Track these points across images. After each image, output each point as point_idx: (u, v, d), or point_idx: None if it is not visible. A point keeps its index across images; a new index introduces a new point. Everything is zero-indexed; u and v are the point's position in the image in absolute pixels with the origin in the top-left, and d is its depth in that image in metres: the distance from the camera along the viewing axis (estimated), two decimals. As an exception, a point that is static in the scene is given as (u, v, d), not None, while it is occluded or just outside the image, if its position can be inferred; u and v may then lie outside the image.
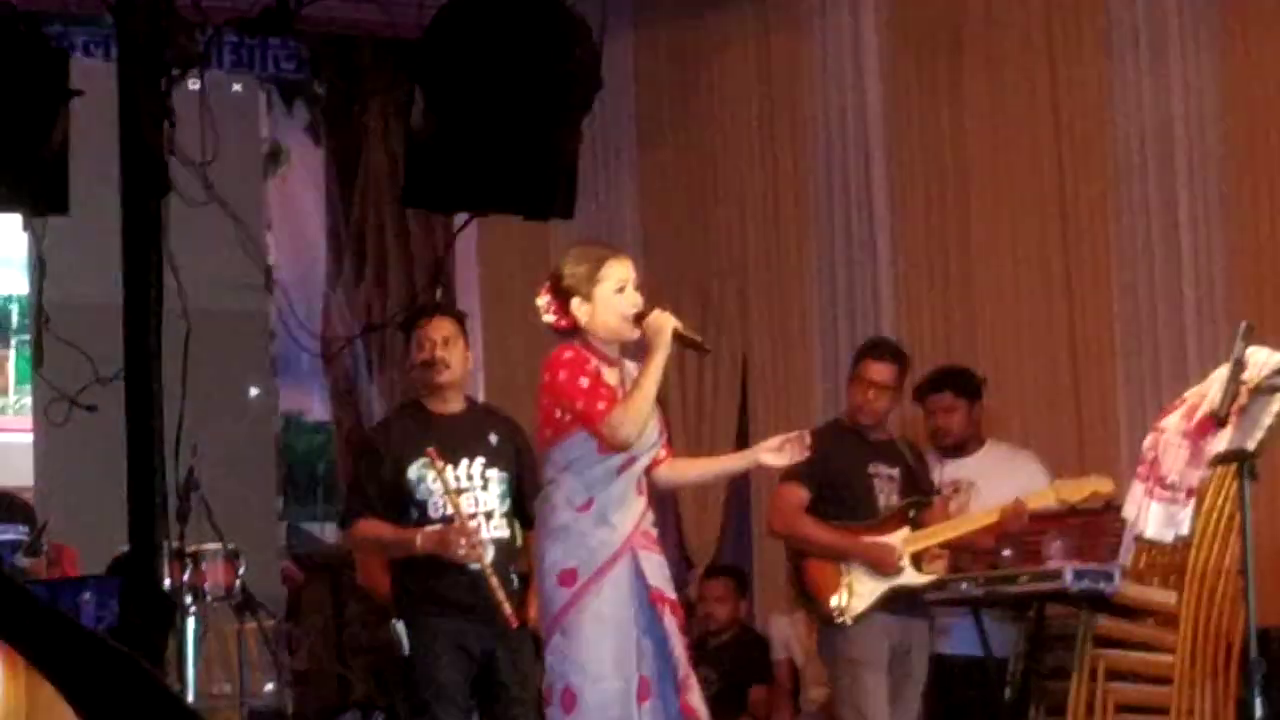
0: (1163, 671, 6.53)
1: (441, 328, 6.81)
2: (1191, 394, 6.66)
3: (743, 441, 9.71)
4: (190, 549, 7.58)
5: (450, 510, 6.56)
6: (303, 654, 10.08)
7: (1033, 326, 8.84)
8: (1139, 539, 6.68)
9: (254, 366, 11.23)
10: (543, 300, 5.79)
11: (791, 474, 7.03)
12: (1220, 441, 6.29)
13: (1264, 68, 8.09)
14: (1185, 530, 6.48)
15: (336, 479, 11.80)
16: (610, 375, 5.73)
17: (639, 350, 5.73)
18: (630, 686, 5.59)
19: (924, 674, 7.32)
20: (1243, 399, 6.22)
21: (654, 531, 5.79)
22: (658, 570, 5.72)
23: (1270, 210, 8.07)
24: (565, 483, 5.70)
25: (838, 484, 7.25)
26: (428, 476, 6.59)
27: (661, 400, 5.82)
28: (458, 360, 6.76)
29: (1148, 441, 6.72)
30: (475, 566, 6.49)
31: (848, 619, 7.15)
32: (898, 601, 7.20)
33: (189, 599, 7.55)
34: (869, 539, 7.24)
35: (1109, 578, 6.75)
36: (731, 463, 6.60)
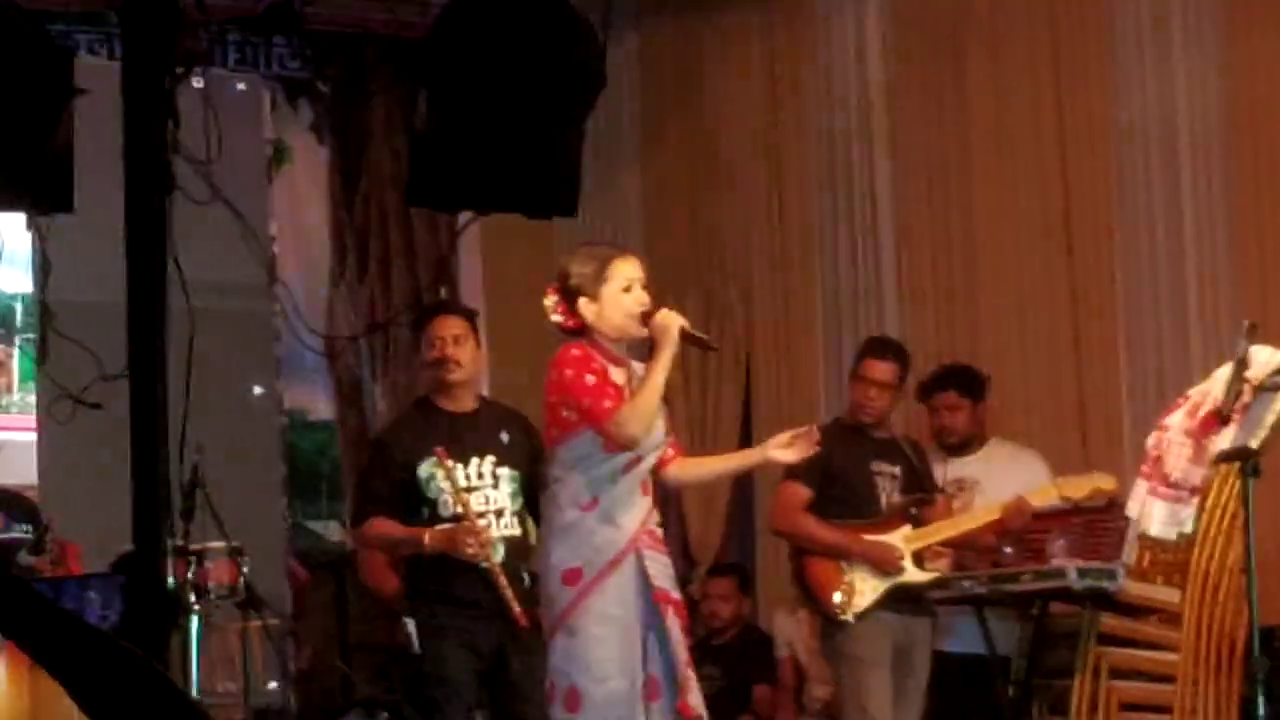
0: (1166, 670, 6.53)
1: (452, 326, 6.82)
2: (1195, 392, 6.66)
3: (746, 440, 9.72)
4: (194, 547, 7.57)
5: (461, 509, 6.57)
6: (306, 653, 10.08)
7: (1036, 325, 8.84)
8: (1142, 537, 6.69)
9: (258, 365, 11.22)
10: (550, 300, 5.81)
11: (793, 472, 7.05)
12: (1224, 440, 6.30)
13: (1268, 66, 8.09)
14: (1188, 528, 6.48)
15: (340, 478, 11.80)
16: (617, 374, 5.74)
17: (646, 349, 5.74)
18: (635, 686, 5.59)
19: (927, 672, 7.33)
20: (1246, 397, 6.23)
21: (659, 531, 5.80)
22: (662, 570, 5.73)
23: (1274, 208, 8.07)
24: (570, 481, 5.71)
25: (839, 482, 7.26)
26: (437, 475, 6.60)
27: (666, 399, 5.83)
28: (468, 358, 6.77)
29: (1151, 440, 6.72)
30: (485, 565, 6.49)
31: (849, 617, 7.15)
32: (900, 599, 7.21)
33: (193, 597, 7.55)
34: (870, 537, 7.24)
35: (1112, 576, 6.76)
36: (741, 459, 6.62)
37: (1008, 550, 7.43)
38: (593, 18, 7.10)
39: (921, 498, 7.37)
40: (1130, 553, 6.79)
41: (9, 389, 11.66)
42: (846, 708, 7.26)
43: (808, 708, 9.01)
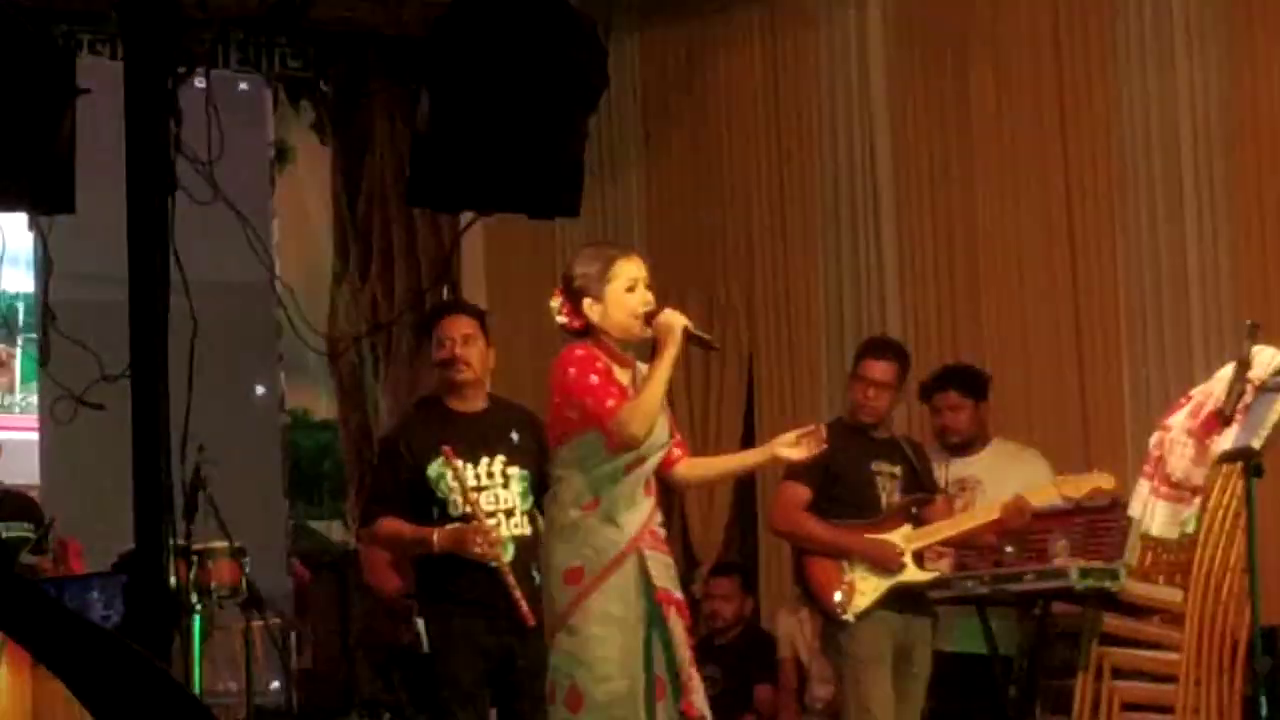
0: (1168, 669, 6.53)
1: (461, 325, 6.82)
2: (1197, 392, 6.66)
3: (749, 440, 9.72)
4: (196, 547, 7.59)
5: (469, 509, 6.57)
6: (309, 652, 10.09)
7: (1038, 325, 8.84)
8: (1144, 537, 6.69)
9: (260, 365, 11.24)
10: (556, 302, 5.81)
11: (793, 472, 7.06)
12: (1226, 440, 6.30)
13: (1270, 68, 8.09)
14: (1190, 528, 6.48)
15: (342, 477, 11.81)
16: (622, 375, 5.74)
17: (650, 350, 5.74)
18: (636, 686, 5.59)
19: (928, 671, 7.32)
20: (1248, 397, 6.23)
21: (662, 532, 5.80)
22: (665, 570, 5.73)
23: (1276, 209, 8.07)
24: (573, 481, 5.71)
25: (839, 482, 7.26)
26: (446, 475, 6.60)
27: (669, 399, 5.83)
28: (477, 358, 6.77)
29: (1153, 440, 6.73)
30: (494, 564, 6.49)
31: (850, 616, 7.15)
32: (901, 599, 7.21)
33: (195, 597, 7.56)
34: (870, 536, 7.24)
35: (1114, 576, 6.76)
36: (749, 458, 6.62)
37: (1008, 550, 7.43)
38: (595, 18, 7.10)
39: (921, 497, 7.37)
40: (1132, 553, 6.79)
41: (11, 389, 11.67)
42: (848, 707, 7.26)
43: (810, 708, 9.01)
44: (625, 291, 5.73)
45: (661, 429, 5.76)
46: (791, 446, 5.89)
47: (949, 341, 9.11)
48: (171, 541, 6.68)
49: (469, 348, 6.76)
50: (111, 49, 10.01)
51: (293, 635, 9.52)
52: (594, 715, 5.55)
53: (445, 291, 11.04)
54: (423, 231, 11.44)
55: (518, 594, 6.42)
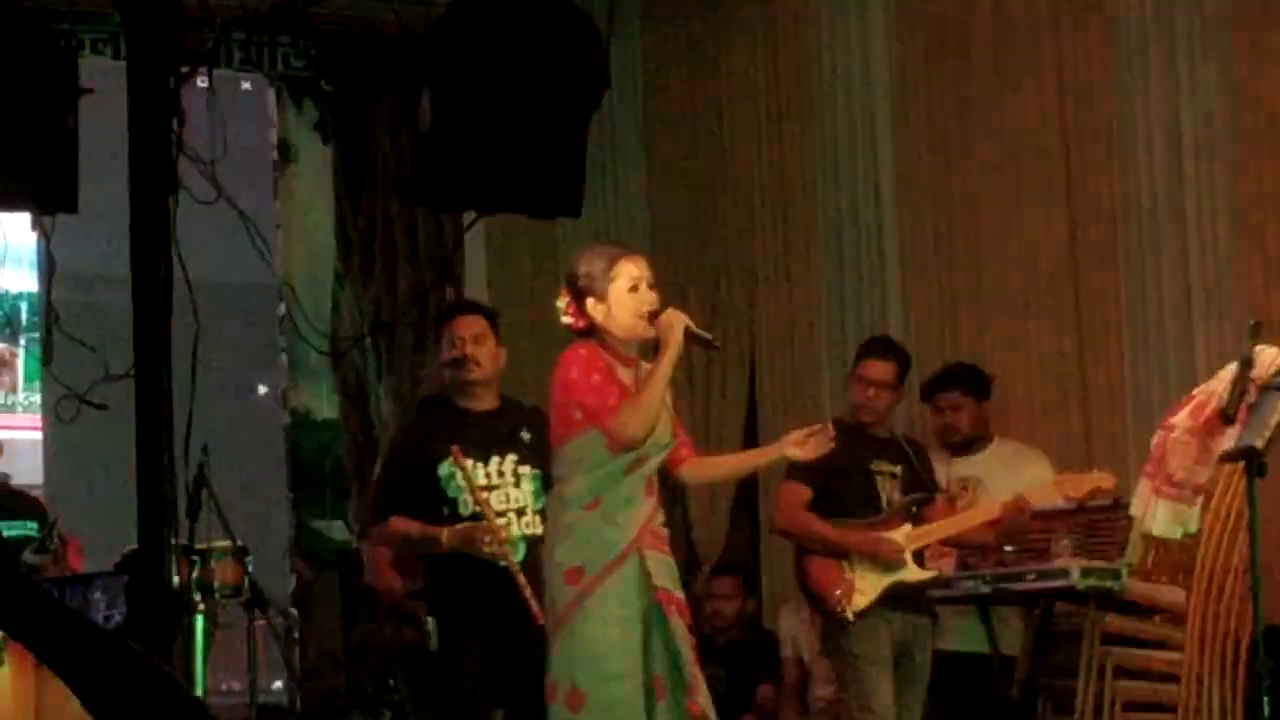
0: (1171, 669, 6.53)
1: (471, 325, 6.82)
2: (1200, 392, 6.67)
3: (751, 439, 9.72)
4: (199, 546, 7.59)
5: (479, 508, 6.57)
6: (311, 651, 10.09)
7: (1040, 324, 8.83)
8: (1146, 536, 6.69)
9: (263, 364, 11.25)
10: (561, 301, 5.82)
11: (794, 471, 7.06)
12: (1228, 439, 6.30)
13: (1273, 65, 8.08)
14: (1193, 528, 6.48)
15: (345, 477, 11.80)
16: (625, 375, 5.75)
17: (654, 350, 5.75)
18: (636, 685, 5.59)
19: (928, 670, 7.32)
20: (1251, 397, 6.22)
21: (664, 532, 5.80)
22: (665, 570, 5.73)
23: (1279, 208, 8.06)
24: (574, 480, 5.72)
25: (839, 481, 7.26)
26: (456, 474, 6.61)
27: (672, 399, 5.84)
28: (487, 357, 6.77)
29: (1156, 439, 6.73)
30: (504, 564, 6.49)
31: (850, 615, 7.16)
32: (901, 598, 7.21)
33: (198, 596, 7.56)
34: (871, 535, 7.25)
35: (1116, 575, 6.77)
36: (756, 457, 6.62)
37: (1007, 549, 7.44)
38: (597, 17, 7.10)
39: (921, 497, 7.37)
40: (1134, 552, 6.79)
41: (15, 389, 11.67)
42: (849, 706, 7.26)
43: (812, 707, 9.01)
44: (628, 291, 5.74)
45: (663, 429, 5.76)
46: (799, 445, 5.90)
47: (951, 341, 9.10)
48: (173, 541, 6.70)
49: (479, 347, 6.77)
50: (114, 49, 10.02)
51: (295, 635, 9.52)
52: (594, 715, 5.55)
53: (448, 291, 11.05)
54: (425, 231, 11.44)
55: (528, 593, 6.41)
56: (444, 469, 6.63)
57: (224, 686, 8.90)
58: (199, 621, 7.53)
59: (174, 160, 6.62)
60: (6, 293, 11.07)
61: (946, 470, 7.86)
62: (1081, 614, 6.92)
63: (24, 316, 11.32)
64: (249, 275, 9.43)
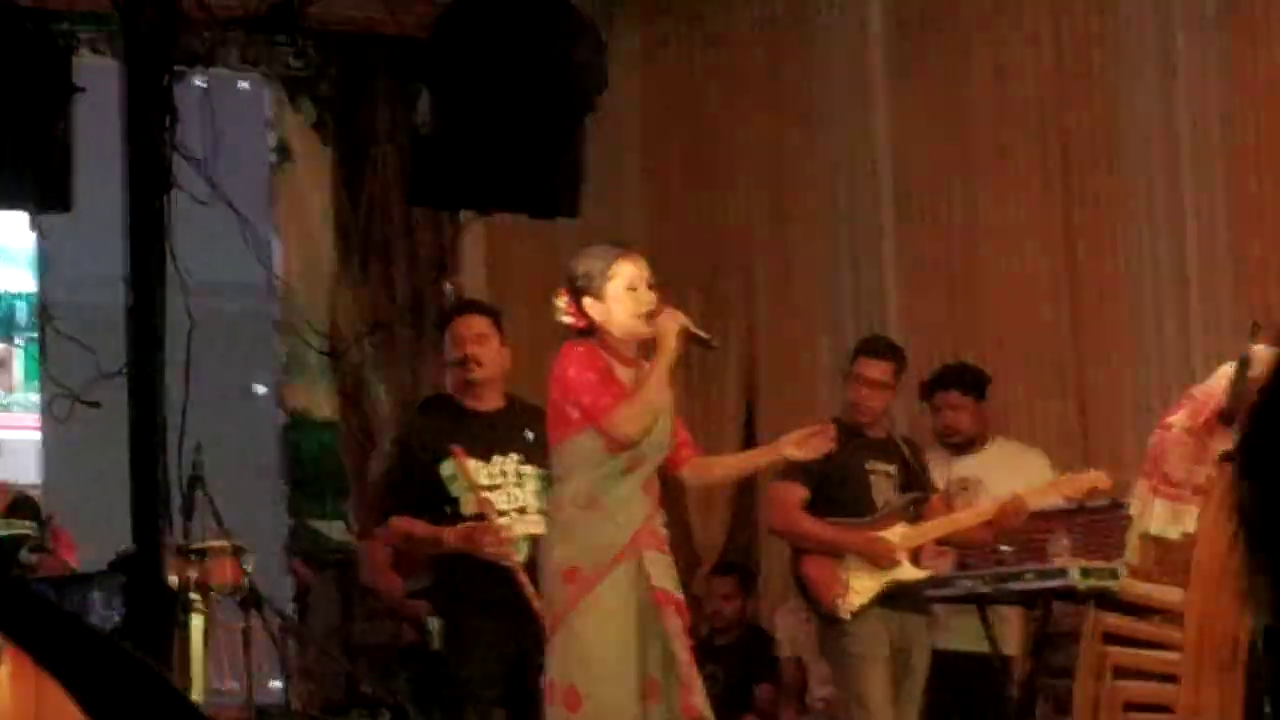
0: (1170, 669, 6.52)
1: (475, 325, 6.83)
2: (1198, 391, 6.65)
3: (749, 439, 9.71)
4: (196, 546, 7.58)
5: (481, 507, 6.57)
6: (310, 651, 10.08)
7: (1039, 323, 8.83)
8: (1145, 536, 6.68)
9: (260, 364, 11.24)
10: (561, 301, 5.82)
11: (789, 472, 7.06)
12: (1227, 439, 6.29)
13: (1272, 63, 8.07)
14: (1191, 528, 6.47)
15: (343, 477, 11.79)
16: (625, 374, 5.74)
17: (653, 349, 5.75)
18: (633, 686, 5.58)
19: (925, 669, 7.32)
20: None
21: (663, 532, 5.80)
22: (664, 571, 5.72)
23: (1277, 205, 8.05)
24: (572, 480, 5.72)
25: (835, 481, 7.26)
26: (459, 474, 6.60)
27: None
28: (491, 357, 6.78)
29: (1154, 439, 6.71)
30: (507, 564, 6.48)
31: (846, 615, 7.15)
32: (897, 597, 7.21)
33: (195, 596, 7.55)
34: (866, 534, 7.24)
35: (1114, 575, 6.76)
36: (757, 457, 6.63)
37: (1004, 548, 7.44)
38: (594, 17, 7.10)
39: (918, 497, 7.37)
40: (1132, 552, 6.78)
41: (11, 388, 11.66)
42: (846, 705, 7.26)
43: (810, 707, 9.00)
44: (626, 290, 5.74)
45: (662, 429, 5.76)
46: (799, 445, 5.89)
47: (949, 339, 9.10)
48: (168, 540, 6.69)
49: (483, 346, 6.77)
50: (111, 48, 10.00)
51: (293, 635, 9.51)
52: (591, 714, 5.55)
53: (448, 291, 11.04)
54: (424, 231, 11.43)
55: (530, 593, 6.41)
56: (447, 468, 6.62)
57: (221, 686, 8.88)
58: (196, 621, 7.52)
59: (169, 160, 6.62)
60: (3, 293, 11.06)
61: (945, 470, 7.86)
62: (1081, 614, 6.91)
63: (21, 316, 11.30)
64: (246, 275, 9.42)
